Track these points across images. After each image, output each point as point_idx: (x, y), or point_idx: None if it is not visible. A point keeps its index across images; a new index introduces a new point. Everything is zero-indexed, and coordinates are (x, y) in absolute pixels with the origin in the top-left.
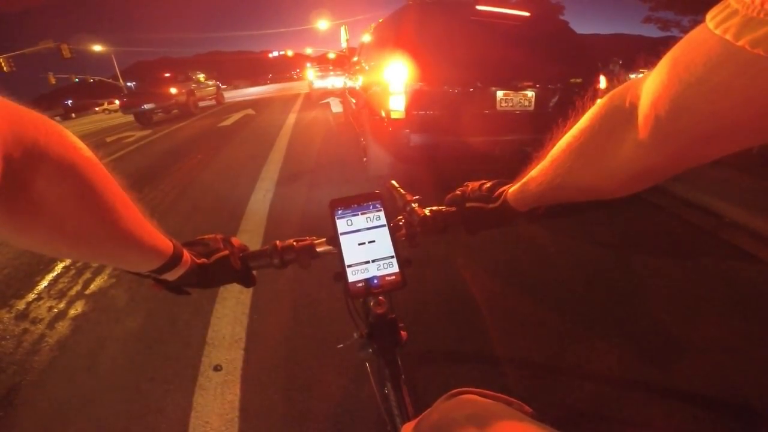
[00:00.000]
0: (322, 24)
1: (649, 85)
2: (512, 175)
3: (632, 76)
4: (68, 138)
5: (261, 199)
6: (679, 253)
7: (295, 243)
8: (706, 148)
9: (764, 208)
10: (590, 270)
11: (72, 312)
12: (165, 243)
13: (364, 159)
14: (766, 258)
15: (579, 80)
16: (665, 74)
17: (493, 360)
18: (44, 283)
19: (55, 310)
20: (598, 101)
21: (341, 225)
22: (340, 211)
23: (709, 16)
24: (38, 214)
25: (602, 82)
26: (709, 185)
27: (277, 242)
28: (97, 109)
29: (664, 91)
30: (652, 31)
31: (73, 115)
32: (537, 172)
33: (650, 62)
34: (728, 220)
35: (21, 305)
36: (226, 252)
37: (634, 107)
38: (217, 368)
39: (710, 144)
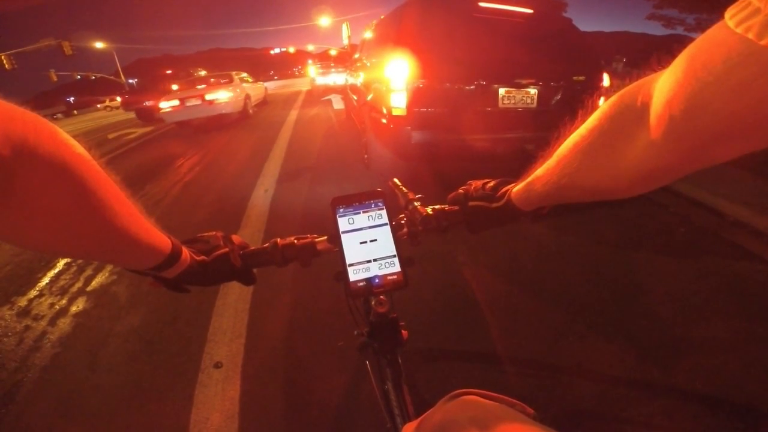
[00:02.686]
0: (324, 21)
1: (662, 84)
2: (514, 173)
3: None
4: (59, 135)
5: (262, 195)
6: (682, 252)
7: (296, 241)
8: (720, 148)
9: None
10: (592, 268)
11: (74, 309)
12: (163, 241)
13: (366, 156)
14: None
15: (582, 78)
16: (681, 73)
17: (494, 359)
18: (46, 280)
19: (57, 306)
20: (608, 100)
21: (342, 223)
22: (341, 210)
23: (728, 14)
24: (31, 213)
25: (605, 79)
26: (712, 184)
27: (278, 240)
28: (99, 106)
29: (680, 89)
30: (656, 29)
31: (75, 111)
32: (542, 171)
33: (663, 61)
34: (731, 219)
35: (23, 302)
36: (226, 250)
37: (646, 106)
38: (217, 365)
39: (725, 144)
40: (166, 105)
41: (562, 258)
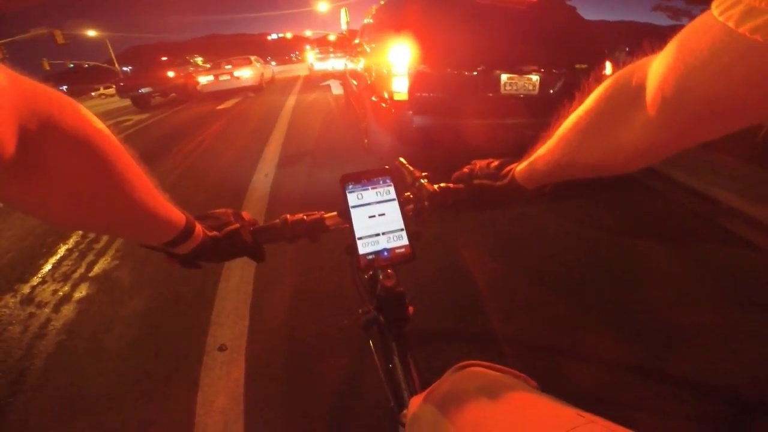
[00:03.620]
0: (322, 6)
1: (656, 67)
2: (515, 158)
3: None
4: (81, 111)
5: (262, 179)
6: (678, 239)
7: (305, 217)
8: (708, 127)
9: (762, 196)
10: (590, 253)
11: (77, 295)
12: (178, 216)
13: (366, 141)
14: (763, 245)
15: (584, 66)
16: (671, 57)
17: (492, 341)
18: (48, 266)
19: (60, 293)
20: (604, 81)
21: (352, 199)
22: (350, 186)
23: (714, 3)
24: (54, 186)
25: (608, 68)
26: (708, 172)
27: (288, 216)
28: (93, 93)
29: (670, 73)
30: (662, 20)
31: None
32: (544, 150)
33: (658, 48)
34: (726, 206)
35: (26, 289)
36: (237, 225)
37: (641, 87)
38: (222, 348)
39: (712, 123)
40: (203, 79)
41: (561, 242)
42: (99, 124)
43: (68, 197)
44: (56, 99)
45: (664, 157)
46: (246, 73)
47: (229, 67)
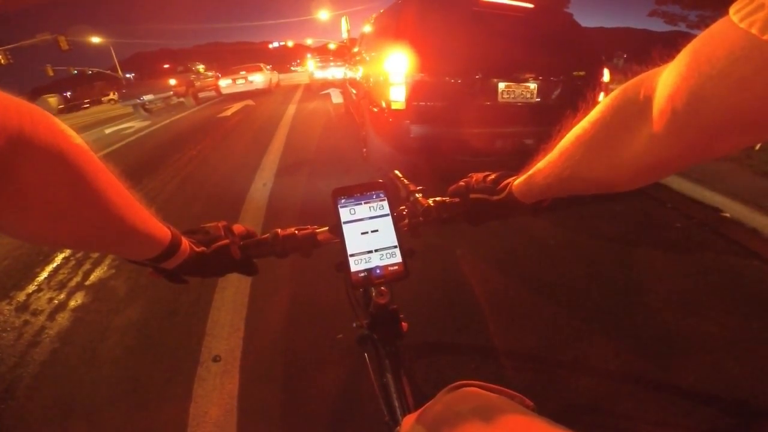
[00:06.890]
0: (323, 14)
1: (666, 78)
2: (513, 168)
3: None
4: (56, 126)
5: (260, 188)
6: (680, 248)
7: (297, 231)
8: (722, 141)
9: (766, 206)
10: (590, 263)
11: (72, 303)
12: (162, 231)
13: (364, 150)
14: (767, 255)
15: (582, 73)
16: (684, 67)
17: (492, 353)
18: (44, 275)
19: (56, 301)
20: (611, 93)
21: (344, 214)
22: (342, 200)
23: (732, 9)
24: (29, 204)
25: (606, 75)
26: (711, 181)
27: (279, 230)
28: (103, 99)
29: (683, 83)
30: (658, 25)
31: (86, 104)
32: (544, 164)
33: (665, 56)
34: (730, 216)
35: (21, 296)
36: (226, 241)
37: (648, 99)
38: (216, 359)
39: (727, 138)
40: (223, 83)
41: (561, 253)
42: (76, 139)
43: (44, 214)
44: (27, 113)
45: (670, 174)
46: (258, 78)
47: (244, 72)
